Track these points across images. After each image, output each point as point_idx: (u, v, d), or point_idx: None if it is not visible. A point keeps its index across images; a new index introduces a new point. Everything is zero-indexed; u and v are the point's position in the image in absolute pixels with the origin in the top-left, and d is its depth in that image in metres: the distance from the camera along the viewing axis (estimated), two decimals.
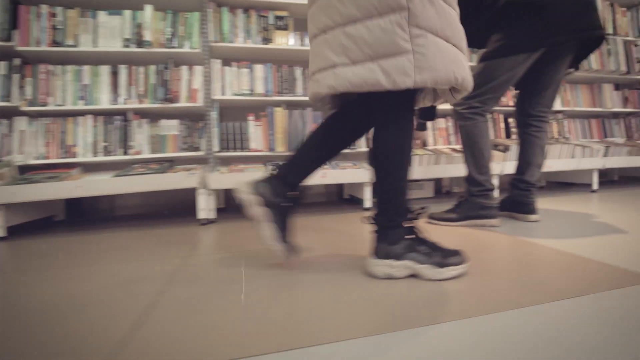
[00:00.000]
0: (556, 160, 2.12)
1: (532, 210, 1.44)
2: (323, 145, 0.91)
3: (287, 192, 0.87)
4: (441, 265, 0.79)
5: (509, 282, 0.78)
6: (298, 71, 2.00)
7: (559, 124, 2.51)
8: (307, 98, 1.98)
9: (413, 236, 0.82)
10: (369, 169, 0.96)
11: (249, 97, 1.91)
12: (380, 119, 0.81)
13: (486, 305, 0.67)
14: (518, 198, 1.49)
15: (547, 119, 1.43)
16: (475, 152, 1.40)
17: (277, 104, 2.00)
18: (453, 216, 1.42)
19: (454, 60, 0.72)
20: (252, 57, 2.05)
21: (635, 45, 2.59)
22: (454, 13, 0.76)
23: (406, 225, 0.82)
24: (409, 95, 0.80)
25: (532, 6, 1.25)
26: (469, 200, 1.42)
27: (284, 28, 1.97)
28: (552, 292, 0.71)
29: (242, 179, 0.91)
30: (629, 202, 1.80)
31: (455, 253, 0.82)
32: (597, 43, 1.33)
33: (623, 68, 2.52)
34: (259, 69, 1.94)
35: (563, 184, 2.71)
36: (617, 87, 2.84)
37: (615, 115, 2.85)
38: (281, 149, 1.94)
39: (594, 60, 2.43)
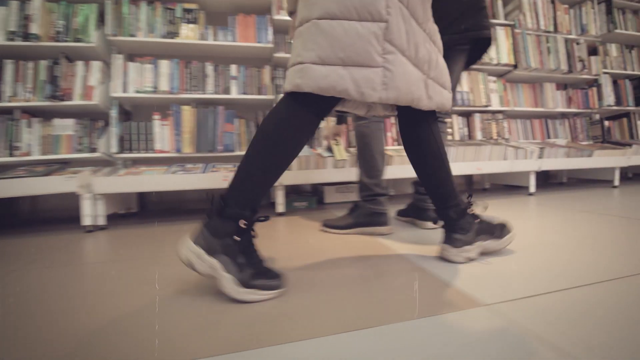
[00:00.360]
0: (487, 163, 2.03)
1: (428, 217, 1.34)
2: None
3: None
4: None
5: (347, 301, 0.68)
6: (210, 67, 1.88)
7: (498, 124, 2.43)
8: (219, 96, 1.87)
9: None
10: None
11: (152, 95, 1.78)
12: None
13: (313, 326, 0.57)
14: (417, 203, 1.39)
15: (443, 119, 1.33)
16: (365, 154, 1.30)
17: (186, 102, 1.88)
18: (342, 223, 1.31)
19: (414, 81, 0.74)
20: (158, 52, 1.92)
21: (578, 44, 2.51)
22: (423, 34, 0.77)
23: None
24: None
25: None
26: (360, 206, 1.31)
27: (193, 22, 1.85)
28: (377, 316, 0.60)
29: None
30: (558, 207, 1.70)
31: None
32: (485, 45, 1.24)
33: (564, 67, 2.44)
34: (164, 64, 1.81)
35: (507, 186, 2.63)
36: (565, 86, 2.77)
37: (564, 115, 2.78)
38: (188, 150, 1.81)
39: (532, 58, 2.36)
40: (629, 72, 2.75)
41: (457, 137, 2.33)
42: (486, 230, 0.91)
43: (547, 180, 2.94)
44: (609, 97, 2.65)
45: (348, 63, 0.67)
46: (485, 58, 2.26)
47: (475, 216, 0.91)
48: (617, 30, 2.61)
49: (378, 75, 0.68)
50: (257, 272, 0.70)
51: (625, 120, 2.79)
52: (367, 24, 0.67)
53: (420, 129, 0.87)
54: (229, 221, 0.69)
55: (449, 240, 0.90)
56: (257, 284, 0.69)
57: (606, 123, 2.75)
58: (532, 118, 2.68)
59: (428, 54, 0.78)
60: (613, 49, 2.71)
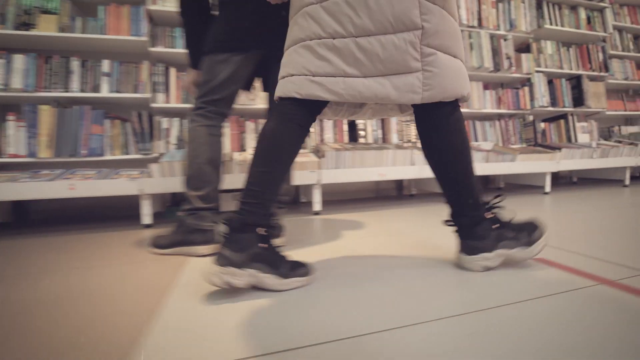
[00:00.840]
0: (392, 168, 1.86)
1: (199, 240, 1.09)
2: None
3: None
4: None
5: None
6: (75, 63, 1.70)
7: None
8: (87, 94, 1.69)
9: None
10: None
11: (2, 93, 1.60)
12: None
13: None
14: (186, 224, 1.18)
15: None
16: (189, 161, 1.13)
17: (45, 100, 1.70)
18: (164, 242, 1.14)
19: (459, 76, 0.76)
20: (14, 46, 1.74)
21: (505, 40, 2.35)
22: (457, 25, 0.78)
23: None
24: None
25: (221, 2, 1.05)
26: (181, 222, 1.14)
27: (54, 12, 1.67)
28: None
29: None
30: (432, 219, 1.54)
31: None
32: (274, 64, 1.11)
33: (488, 64, 2.28)
34: (18, 59, 1.63)
35: (434, 194, 2.47)
36: (502, 86, 2.61)
37: (500, 116, 2.62)
38: (45, 155, 1.63)
39: None
40: (566, 70, 2.60)
41: (370, 140, 2.16)
42: (510, 236, 0.83)
43: (485, 185, 2.78)
44: (543, 98, 2.49)
45: (387, 73, 0.72)
46: None
47: (495, 220, 0.84)
48: (551, 26, 2.45)
49: (418, 79, 0.72)
50: (289, 265, 0.77)
51: (562, 122, 2.64)
52: (403, 34, 0.70)
53: (441, 123, 0.81)
54: (249, 233, 0.74)
55: (463, 247, 0.84)
56: (294, 273, 0.76)
57: (542, 125, 2.60)
58: None
59: (461, 44, 0.81)
60: (548, 46, 2.55)
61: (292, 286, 0.76)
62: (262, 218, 0.75)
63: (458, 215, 0.84)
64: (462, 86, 0.77)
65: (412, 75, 0.71)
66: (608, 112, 2.78)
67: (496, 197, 0.87)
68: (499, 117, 2.60)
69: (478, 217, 0.82)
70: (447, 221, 0.87)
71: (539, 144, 2.45)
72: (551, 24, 2.49)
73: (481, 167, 2.05)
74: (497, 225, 0.83)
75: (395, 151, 1.88)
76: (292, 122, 0.78)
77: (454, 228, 0.87)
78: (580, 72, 2.63)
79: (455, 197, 0.83)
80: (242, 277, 0.71)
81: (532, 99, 2.47)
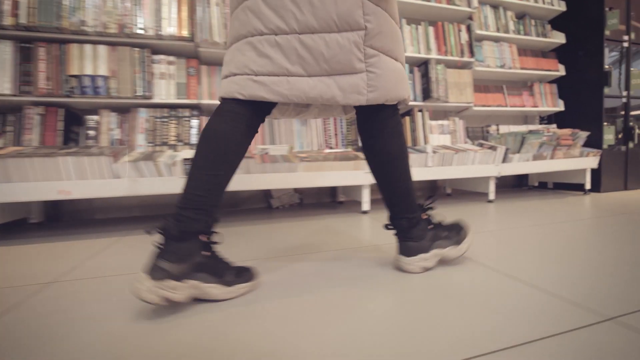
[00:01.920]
0: (81, 183, 1.32)
1: None
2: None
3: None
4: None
5: None
6: None
7: (182, 124, 1.71)
8: None
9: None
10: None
11: None
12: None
13: None
14: None
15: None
16: None
17: None
18: None
19: (401, 79, 0.78)
20: None
21: None
22: (398, 27, 0.80)
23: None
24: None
25: None
26: None
27: None
28: None
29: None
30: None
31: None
32: None
33: None
34: None
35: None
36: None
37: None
38: None
39: (217, 29, 1.64)
40: (414, 54, 2.04)
41: (105, 142, 1.61)
42: (443, 235, 0.87)
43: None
44: None
45: (332, 73, 0.72)
46: (135, 25, 1.55)
47: (429, 221, 0.87)
48: None
49: (362, 79, 0.72)
50: (234, 271, 0.73)
51: (408, 119, 2.08)
52: (347, 34, 0.71)
53: (382, 126, 0.81)
54: (190, 241, 0.68)
55: (403, 249, 0.85)
56: (239, 280, 0.72)
57: None
58: None
59: (402, 48, 0.82)
60: None
61: (238, 293, 0.72)
62: (204, 225, 0.70)
63: (397, 218, 0.85)
64: (404, 89, 0.79)
65: (356, 76, 0.72)
66: (477, 108, 2.22)
67: (429, 198, 0.91)
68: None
69: (415, 219, 0.84)
70: (386, 225, 0.88)
71: (360, 148, 1.89)
72: None
73: (240, 179, 1.49)
74: (432, 226, 0.87)
75: (93, 159, 1.33)
76: (239, 122, 0.74)
77: (394, 231, 0.91)
78: (432, 56, 2.07)
79: (394, 199, 0.84)
80: (182, 290, 0.65)
81: None
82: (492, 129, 2.35)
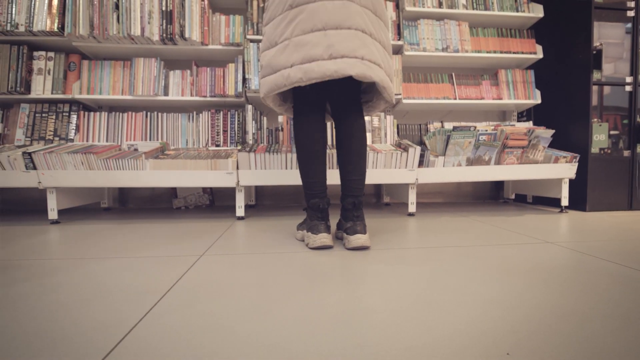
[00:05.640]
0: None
1: None
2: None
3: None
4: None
5: None
6: None
7: (61, 119, 1.71)
8: None
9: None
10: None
11: None
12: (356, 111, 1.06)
13: None
14: None
15: None
16: None
17: None
18: None
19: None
20: None
21: None
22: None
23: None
24: None
25: None
26: None
27: None
28: None
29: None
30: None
31: None
32: None
33: (155, 31, 1.62)
34: None
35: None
36: (196, 64, 1.89)
37: (197, 108, 1.90)
38: None
39: (83, 20, 1.60)
40: None
41: None
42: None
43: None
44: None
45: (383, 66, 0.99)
46: None
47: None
48: None
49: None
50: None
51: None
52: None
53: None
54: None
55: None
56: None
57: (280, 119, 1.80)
58: (130, 110, 1.89)
59: None
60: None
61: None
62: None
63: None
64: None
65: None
66: (409, 101, 1.84)
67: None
68: (199, 108, 1.90)
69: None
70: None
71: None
72: None
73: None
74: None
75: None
76: None
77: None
78: None
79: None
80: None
81: (244, 81, 1.72)
82: (435, 125, 1.93)
